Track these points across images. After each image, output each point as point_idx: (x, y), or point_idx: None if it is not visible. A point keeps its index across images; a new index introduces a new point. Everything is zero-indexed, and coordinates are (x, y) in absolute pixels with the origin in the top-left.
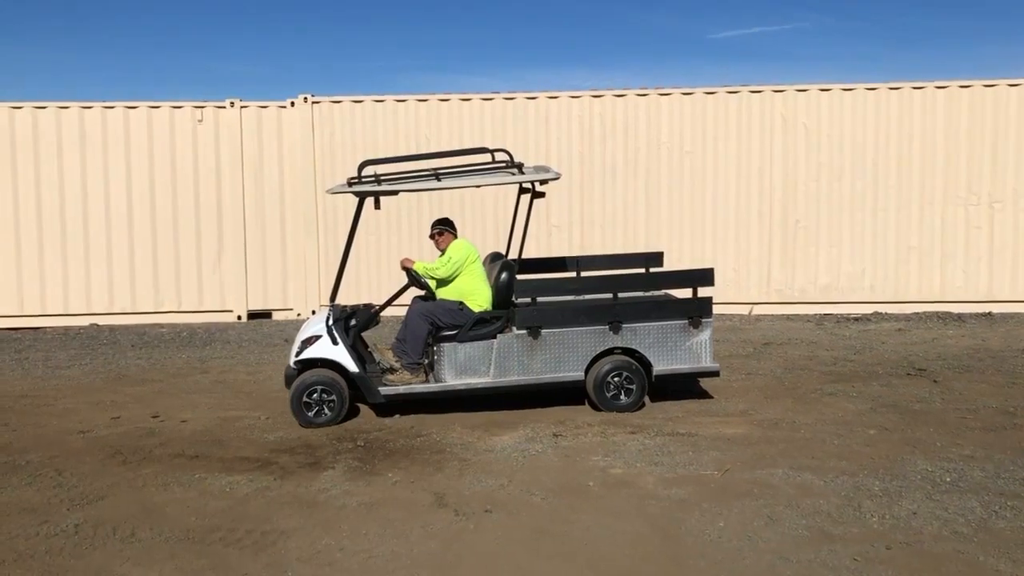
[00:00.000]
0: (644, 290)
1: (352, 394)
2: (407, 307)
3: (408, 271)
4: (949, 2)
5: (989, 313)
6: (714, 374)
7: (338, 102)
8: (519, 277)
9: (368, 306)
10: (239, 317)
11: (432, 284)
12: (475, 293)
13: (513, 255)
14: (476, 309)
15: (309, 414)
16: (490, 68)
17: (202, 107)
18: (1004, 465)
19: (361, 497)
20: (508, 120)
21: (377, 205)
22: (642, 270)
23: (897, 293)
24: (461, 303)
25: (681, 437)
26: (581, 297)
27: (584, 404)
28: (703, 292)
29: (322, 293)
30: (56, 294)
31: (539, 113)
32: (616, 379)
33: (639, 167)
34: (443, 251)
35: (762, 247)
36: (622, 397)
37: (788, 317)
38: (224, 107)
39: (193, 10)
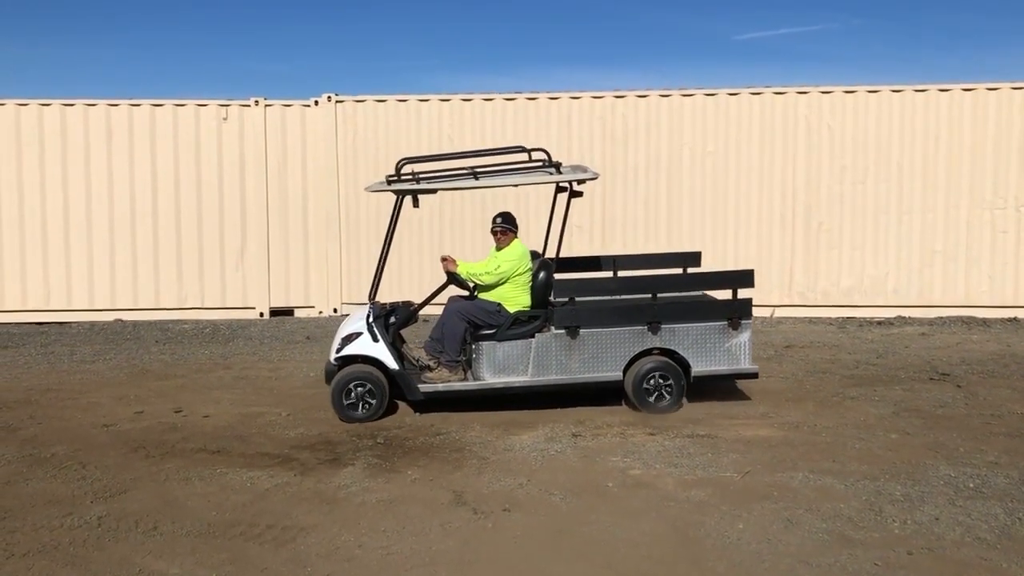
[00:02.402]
0: (682, 291)
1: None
2: (443, 305)
3: (451, 275)
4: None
5: (1015, 318)
6: (752, 376)
7: (361, 101)
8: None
9: (407, 303)
10: (261, 314)
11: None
12: (516, 299)
13: (549, 254)
14: (512, 311)
15: (349, 409)
16: (513, 68)
17: (227, 105)
18: None
19: (380, 494)
20: (530, 120)
21: (416, 203)
22: (679, 270)
23: (921, 297)
24: (499, 305)
25: (701, 439)
26: (619, 297)
27: (604, 404)
28: (743, 293)
29: (343, 291)
30: (82, 289)
31: (561, 113)
32: (655, 380)
33: (661, 168)
34: (500, 249)
35: (784, 249)
36: (661, 398)
37: (810, 320)
38: (249, 106)
39: (221, 9)
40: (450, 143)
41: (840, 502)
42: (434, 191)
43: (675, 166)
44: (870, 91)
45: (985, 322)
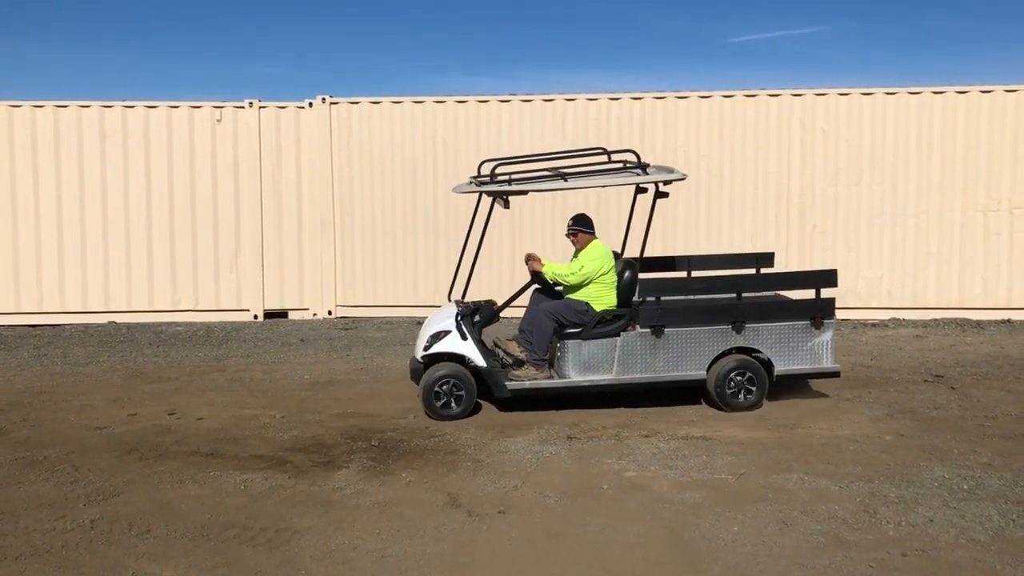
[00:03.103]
0: (767, 290)
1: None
2: (525, 304)
3: (536, 275)
4: (973, 6)
5: (1008, 320)
6: (834, 375)
7: (356, 103)
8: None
9: (490, 302)
10: (255, 316)
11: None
12: (602, 298)
13: (629, 253)
14: (599, 310)
15: (439, 406)
16: (507, 70)
17: (221, 107)
18: (1023, 473)
19: (375, 497)
20: (525, 122)
21: (507, 205)
22: (752, 270)
23: (915, 299)
24: (587, 304)
25: (695, 441)
26: (704, 296)
27: (599, 407)
28: (826, 293)
29: (338, 293)
30: (75, 291)
31: (556, 115)
32: (738, 378)
33: None
34: (579, 250)
35: (778, 251)
36: (743, 396)
37: None
38: (243, 107)
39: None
40: (444, 145)
41: (835, 504)
42: (525, 192)
43: None
44: (864, 93)
45: (979, 324)
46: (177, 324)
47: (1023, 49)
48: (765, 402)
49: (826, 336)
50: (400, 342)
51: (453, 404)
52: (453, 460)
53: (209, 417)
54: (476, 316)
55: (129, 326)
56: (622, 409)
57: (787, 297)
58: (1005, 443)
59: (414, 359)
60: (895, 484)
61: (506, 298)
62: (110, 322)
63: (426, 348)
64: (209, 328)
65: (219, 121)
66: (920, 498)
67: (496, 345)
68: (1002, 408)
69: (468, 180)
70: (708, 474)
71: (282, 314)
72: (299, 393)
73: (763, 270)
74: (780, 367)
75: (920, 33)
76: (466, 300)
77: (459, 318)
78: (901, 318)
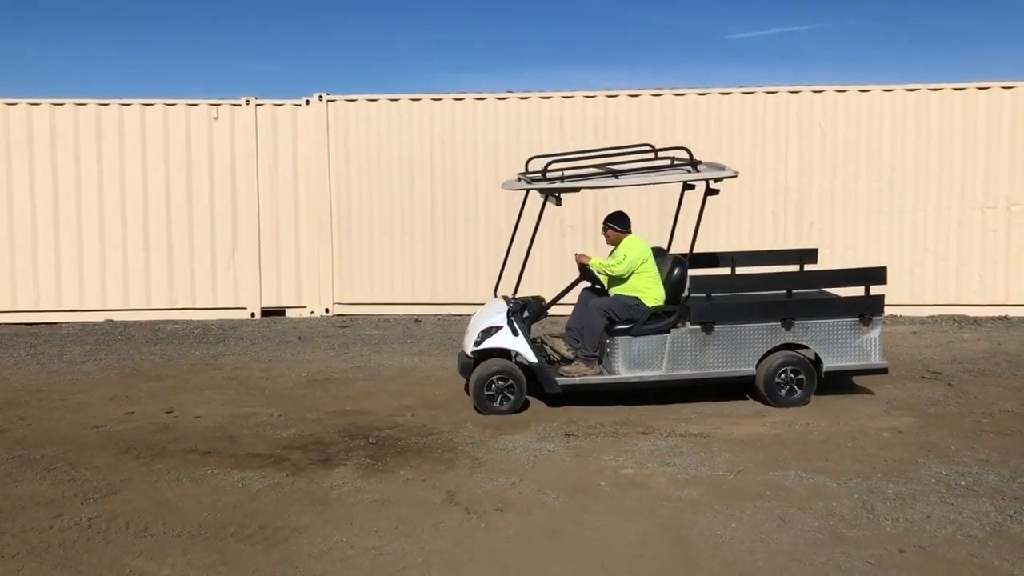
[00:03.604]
0: (815, 287)
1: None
2: (570, 302)
3: (583, 267)
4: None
5: (1006, 317)
6: (883, 371)
7: (353, 100)
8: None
9: (538, 299)
10: (252, 314)
11: (604, 280)
12: (650, 290)
13: (675, 250)
14: (650, 304)
15: (491, 402)
16: (503, 67)
17: (217, 105)
18: (1020, 469)
19: (372, 494)
20: (522, 119)
21: (558, 202)
22: (795, 267)
23: (912, 296)
24: (637, 299)
25: (693, 438)
26: (753, 293)
27: (596, 405)
28: (875, 290)
29: (335, 291)
30: (72, 290)
31: (553, 112)
32: (786, 374)
33: None
34: (615, 247)
35: (776, 248)
36: (792, 392)
37: None
38: (239, 105)
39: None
40: (441, 143)
41: (832, 500)
42: (577, 189)
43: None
44: (861, 90)
45: (976, 321)
46: (174, 322)
47: (1020, 46)
48: (763, 400)
49: (874, 333)
50: (397, 340)
51: (503, 400)
52: (451, 458)
53: (206, 415)
54: (525, 312)
55: (126, 324)
56: (620, 406)
57: (832, 293)
58: (1002, 439)
59: (463, 354)
60: (893, 481)
61: (553, 295)
62: (107, 320)
63: (477, 344)
64: (206, 326)
65: (216, 119)
66: (918, 494)
67: (543, 342)
68: (999, 405)
69: (516, 177)
70: (706, 471)
71: (279, 312)
72: (297, 391)
73: (807, 266)
74: (829, 363)
75: (917, 30)
76: (514, 297)
77: (510, 314)
78: (898, 315)
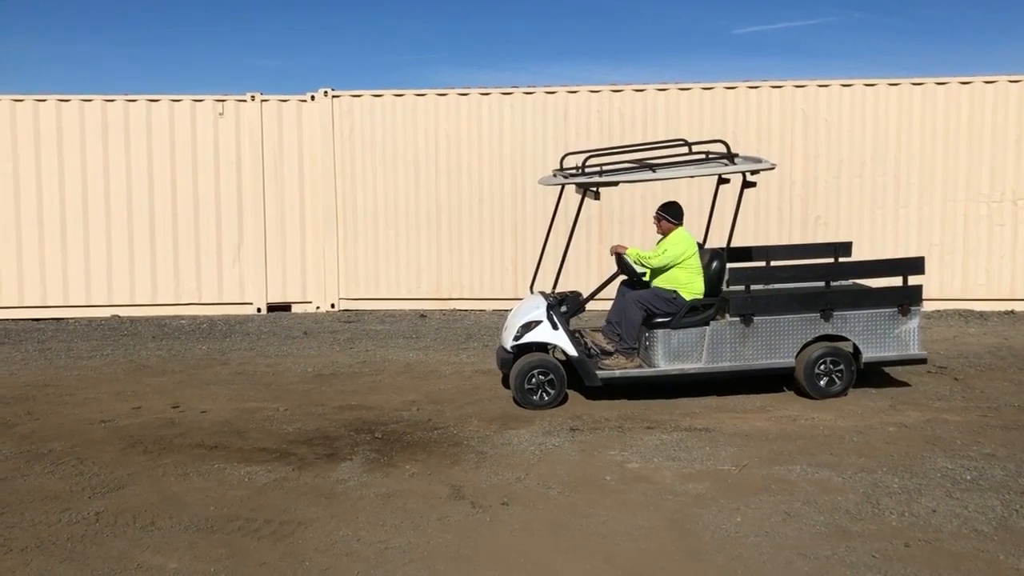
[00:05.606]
0: (852, 278)
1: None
2: (608, 297)
3: (619, 256)
4: None
5: (1012, 311)
6: (921, 362)
7: (358, 96)
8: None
9: (575, 293)
10: (259, 310)
11: (644, 272)
12: (690, 284)
13: (712, 244)
14: (688, 298)
15: (531, 396)
16: (508, 62)
17: (223, 101)
18: None
19: (378, 488)
20: (527, 114)
21: (597, 196)
22: (830, 259)
23: None
24: (675, 292)
25: (699, 432)
26: (791, 285)
27: (602, 399)
28: (913, 280)
29: (341, 286)
30: (78, 285)
31: (558, 107)
32: (825, 365)
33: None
34: (663, 236)
35: (781, 243)
36: (831, 383)
37: None
38: (245, 100)
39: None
40: (446, 138)
41: (838, 495)
42: (615, 184)
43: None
44: (867, 84)
45: (982, 315)
46: (180, 317)
47: None
48: (767, 394)
49: (913, 323)
50: (403, 335)
51: (543, 394)
52: (456, 452)
53: (213, 410)
54: (563, 306)
55: (132, 319)
56: (624, 401)
57: (865, 285)
58: (1008, 434)
59: (502, 348)
60: (898, 475)
61: (592, 289)
62: (114, 316)
63: (516, 338)
64: (212, 321)
65: (221, 115)
66: (923, 489)
67: (582, 336)
68: (1005, 399)
69: (552, 173)
70: (711, 465)
71: (285, 307)
72: (302, 386)
73: (841, 259)
74: (868, 354)
75: (923, 23)
76: (550, 292)
77: (549, 308)
78: None
